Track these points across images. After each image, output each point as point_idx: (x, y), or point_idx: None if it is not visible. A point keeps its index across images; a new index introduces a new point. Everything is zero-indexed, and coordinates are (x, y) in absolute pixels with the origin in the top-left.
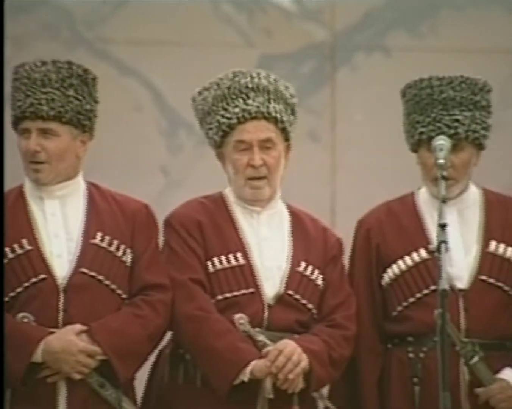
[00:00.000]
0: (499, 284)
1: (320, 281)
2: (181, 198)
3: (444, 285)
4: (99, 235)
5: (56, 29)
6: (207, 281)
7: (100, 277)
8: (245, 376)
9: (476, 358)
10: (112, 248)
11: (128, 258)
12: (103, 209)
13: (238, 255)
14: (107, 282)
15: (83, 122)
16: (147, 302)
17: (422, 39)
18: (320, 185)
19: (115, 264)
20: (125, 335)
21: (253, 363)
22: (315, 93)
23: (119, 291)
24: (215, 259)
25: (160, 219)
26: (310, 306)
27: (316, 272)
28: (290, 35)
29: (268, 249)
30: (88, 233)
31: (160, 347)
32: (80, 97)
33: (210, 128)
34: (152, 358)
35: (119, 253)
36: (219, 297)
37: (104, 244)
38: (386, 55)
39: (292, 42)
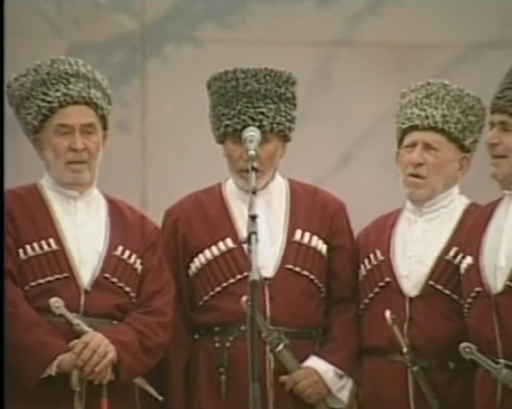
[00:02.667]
0: (305, 272)
1: (138, 266)
2: None
3: (254, 276)
4: None
5: None
6: (17, 269)
7: None
8: (52, 370)
9: (281, 346)
10: None
11: None
12: None
13: (51, 240)
14: None
15: None
16: None
17: (232, 31)
18: (131, 176)
19: None
20: None
21: (60, 357)
22: (125, 84)
23: None
24: (27, 246)
25: None
26: (127, 289)
27: (134, 256)
28: (99, 25)
29: (86, 234)
30: None
31: None
32: None
33: (29, 113)
34: None
35: None
36: (33, 283)
37: None
38: (196, 47)
39: (101, 32)
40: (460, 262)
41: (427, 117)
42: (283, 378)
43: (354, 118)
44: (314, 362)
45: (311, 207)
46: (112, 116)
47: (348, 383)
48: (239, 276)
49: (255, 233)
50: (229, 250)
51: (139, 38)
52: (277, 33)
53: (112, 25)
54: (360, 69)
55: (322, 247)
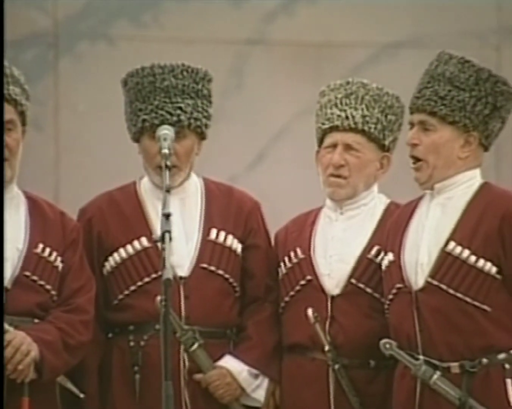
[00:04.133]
0: (220, 272)
1: (59, 264)
2: None
3: (168, 274)
4: None
5: None
6: None
7: None
8: None
9: (196, 345)
10: None
11: None
12: None
13: None
14: None
15: None
16: None
17: (145, 28)
18: (44, 174)
19: None
20: None
21: None
22: (38, 82)
23: None
24: None
25: None
26: (48, 287)
27: (55, 254)
28: (12, 22)
29: (6, 231)
30: None
31: None
32: None
33: None
34: None
35: None
36: None
37: None
38: (110, 44)
39: (14, 30)
40: (381, 260)
41: (347, 118)
42: (197, 376)
43: (268, 117)
44: (228, 362)
45: (226, 206)
46: None
47: (264, 382)
48: (154, 275)
49: (168, 231)
50: (144, 249)
51: (52, 35)
52: (191, 31)
53: (25, 22)
54: (274, 67)
55: (237, 246)
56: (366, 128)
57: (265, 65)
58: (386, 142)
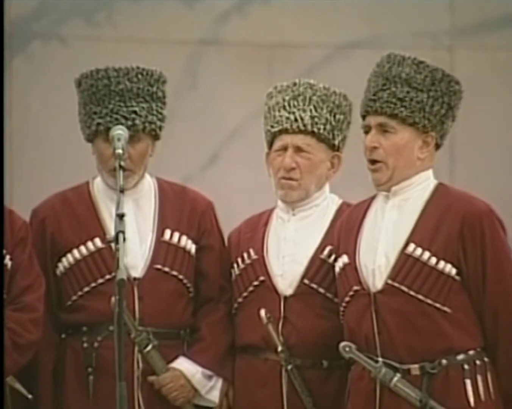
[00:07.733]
0: (174, 273)
1: (8, 262)
2: None
3: (122, 275)
4: None
5: None
6: None
7: None
8: None
9: (150, 347)
10: None
11: None
12: None
13: None
14: None
15: None
16: None
17: (98, 28)
18: None
19: None
20: None
21: None
22: None
23: None
24: None
25: None
26: None
27: (3, 252)
28: None
29: None
30: None
31: None
32: None
33: None
34: None
35: None
36: None
37: None
38: (62, 44)
39: None
40: (335, 261)
41: (296, 120)
42: (151, 378)
43: (221, 117)
44: (182, 364)
45: (180, 207)
46: None
47: (218, 383)
48: (108, 276)
49: (122, 232)
50: (98, 250)
51: (6, 35)
52: (144, 31)
53: None
54: (227, 68)
55: (191, 247)
56: (315, 129)
57: (219, 65)
58: (336, 142)
